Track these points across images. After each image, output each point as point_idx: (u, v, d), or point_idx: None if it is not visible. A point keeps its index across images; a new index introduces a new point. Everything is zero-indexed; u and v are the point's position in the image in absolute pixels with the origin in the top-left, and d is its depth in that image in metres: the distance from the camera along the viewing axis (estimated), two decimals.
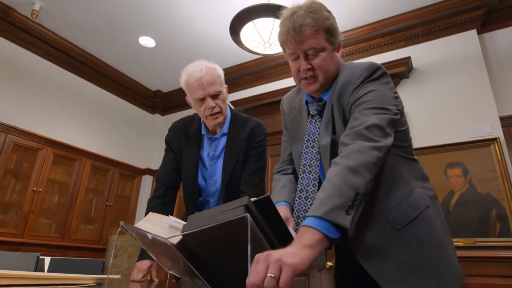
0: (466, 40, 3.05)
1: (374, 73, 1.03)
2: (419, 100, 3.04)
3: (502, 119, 2.71)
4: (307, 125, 1.14)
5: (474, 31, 3.05)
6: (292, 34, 1.04)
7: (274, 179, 1.27)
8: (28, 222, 3.33)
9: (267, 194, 0.78)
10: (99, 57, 4.22)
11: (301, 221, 0.99)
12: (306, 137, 1.12)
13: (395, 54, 3.32)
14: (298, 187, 1.08)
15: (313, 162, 1.07)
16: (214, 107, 1.46)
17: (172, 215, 1.47)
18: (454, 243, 2.76)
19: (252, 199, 0.76)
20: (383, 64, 3.16)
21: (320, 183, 1.05)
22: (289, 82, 3.88)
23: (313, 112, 1.14)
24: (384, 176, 0.98)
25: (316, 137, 1.09)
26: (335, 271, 1.22)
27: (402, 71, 3.12)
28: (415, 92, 3.10)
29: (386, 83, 1.04)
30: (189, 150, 1.58)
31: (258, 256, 0.67)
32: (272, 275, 0.63)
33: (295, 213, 1.05)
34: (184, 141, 1.61)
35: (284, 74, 4.00)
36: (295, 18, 1.04)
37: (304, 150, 1.11)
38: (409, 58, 3.14)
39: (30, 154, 3.47)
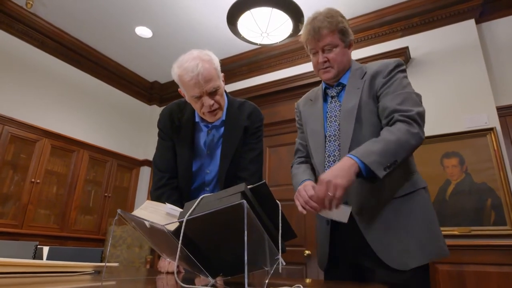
0: (464, 30, 3.03)
1: (402, 65, 1.33)
2: (416, 90, 3.02)
3: (499, 109, 2.71)
4: (328, 105, 1.38)
5: (472, 21, 3.03)
6: (312, 34, 1.30)
7: (294, 168, 1.46)
8: (27, 213, 3.35)
9: (264, 181, 0.79)
10: (95, 48, 4.18)
11: None
12: (328, 114, 1.36)
13: (392, 44, 3.31)
14: (326, 153, 1.31)
15: (336, 132, 1.30)
16: (213, 104, 1.36)
17: (181, 201, 1.42)
18: (450, 232, 2.78)
19: (249, 186, 0.76)
20: (381, 54, 3.18)
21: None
22: (286, 72, 3.86)
23: (333, 94, 1.38)
24: None
25: (338, 113, 1.32)
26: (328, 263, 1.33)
27: None
28: (413, 82, 2.99)
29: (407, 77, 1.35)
30: (183, 139, 1.49)
31: (321, 179, 1.05)
32: (330, 194, 1.03)
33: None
34: (177, 128, 1.51)
35: (282, 64, 3.98)
36: (315, 22, 1.29)
37: (328, 124, 1.34)
38: (406, 48, 3.13)
39: (28, 145, 3.46)
